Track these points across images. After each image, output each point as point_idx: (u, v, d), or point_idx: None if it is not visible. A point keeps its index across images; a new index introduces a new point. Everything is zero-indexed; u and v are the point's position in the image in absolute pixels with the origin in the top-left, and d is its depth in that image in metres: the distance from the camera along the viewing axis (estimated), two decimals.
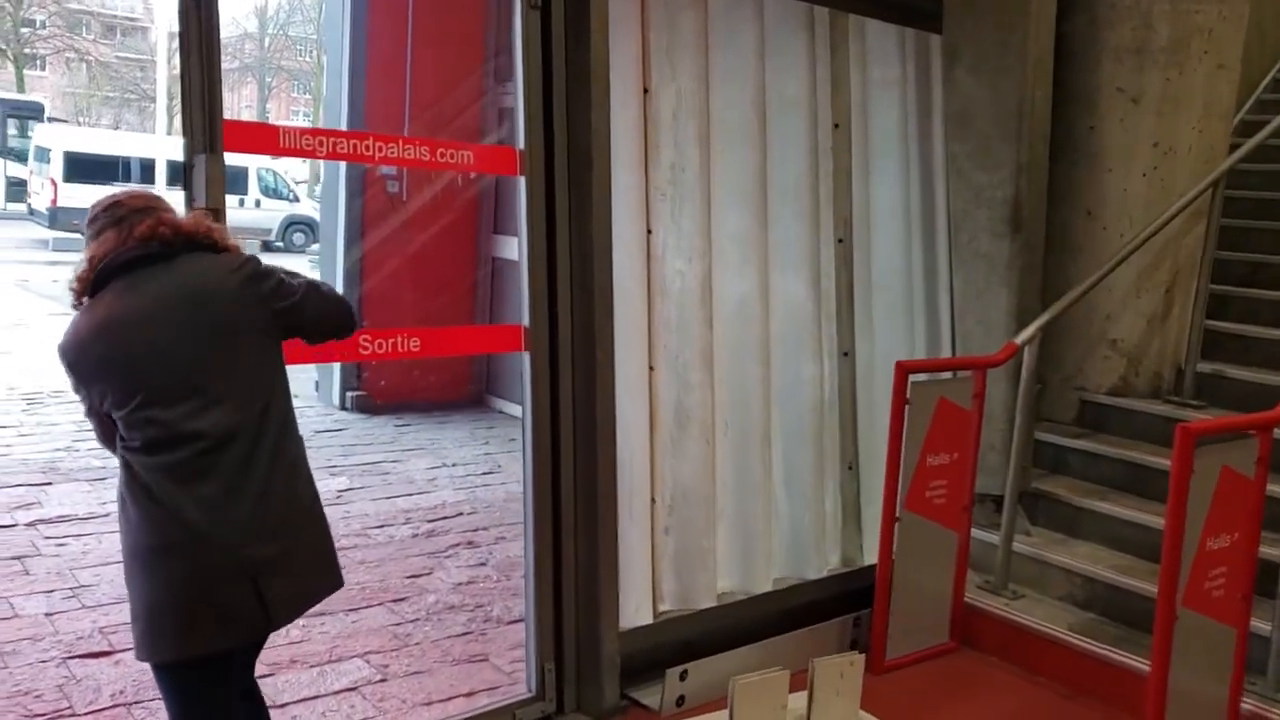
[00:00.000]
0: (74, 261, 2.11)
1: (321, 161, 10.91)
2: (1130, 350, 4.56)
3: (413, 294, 7.09)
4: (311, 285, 2.20)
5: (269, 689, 3.25)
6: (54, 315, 9.95)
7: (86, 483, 5.37)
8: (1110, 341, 4.55)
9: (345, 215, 7.26)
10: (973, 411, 3.81)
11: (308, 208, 19.82)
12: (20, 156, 20.51)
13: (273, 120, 34.95)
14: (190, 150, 2.50)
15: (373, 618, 3.96)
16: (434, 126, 7.09)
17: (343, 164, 7.12)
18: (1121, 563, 3.90)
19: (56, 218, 16.96)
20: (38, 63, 34.15)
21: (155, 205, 2.12)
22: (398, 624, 3.92)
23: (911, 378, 3.63)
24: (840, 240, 3.99)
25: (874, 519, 3.94)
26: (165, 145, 18.88)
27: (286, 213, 19.97)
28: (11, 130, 22.38)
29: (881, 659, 3.68)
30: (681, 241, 3.48)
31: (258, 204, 19.43)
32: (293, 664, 3.53)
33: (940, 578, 3.85)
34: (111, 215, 2.08)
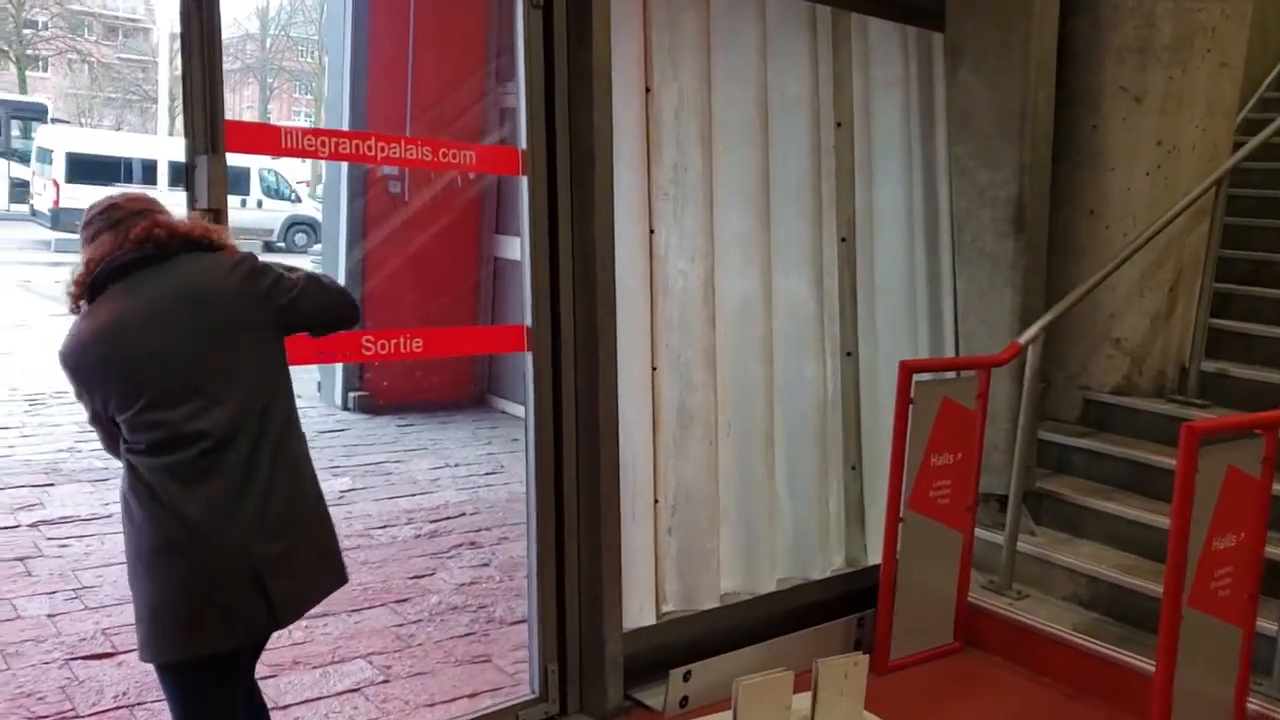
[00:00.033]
0: (76, 263, 2.10)
1: (322, 162, 10.93)
2: (1134, 349, 4.55)
3: (415, 294, 7.08)
4: (310, 278, 2.20)
5: (271, 690, 3.25)
6: (56, 316, 9.96)
7: (89, 484, 5.37)
8: (1114, 340, 4.54)
9: (347, 216, 7.25)
10: (977, 411, 3.80)
11: (309, 208, 19.84)
12: (24, 158, 20.54)
13: (274, 121, 34.99)
14: (192, 151, 2.50)
15: (375, 618, 3.95)
16: (435, 126, 7.08)
17: (344, 164, 7.12)
18: (1126, 562, 3.89)
19: (59, 219, 16.98)
20: (40, 64, 34.18)
21: (151, 207, 2.12)
22: (400, 625, 3.91)
23: (915, 377, 3.62)
24: (843, 240, 3.98)
25: (877, 519, 3.94)
26: (167, 146, 18.89)
27: (288, 213, 19.98)
28: (15, 131, 22.42)
29: (885, 659, 3.67)
30: (684, 241, 3.47)
31: (260, 205, 19.44)
32: (295, 665, 3.53)
33: (944, 578, 3.84)
34: (108, 218, 2.07)
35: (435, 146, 2.95)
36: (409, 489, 5.64)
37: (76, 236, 2.20)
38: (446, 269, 7.47)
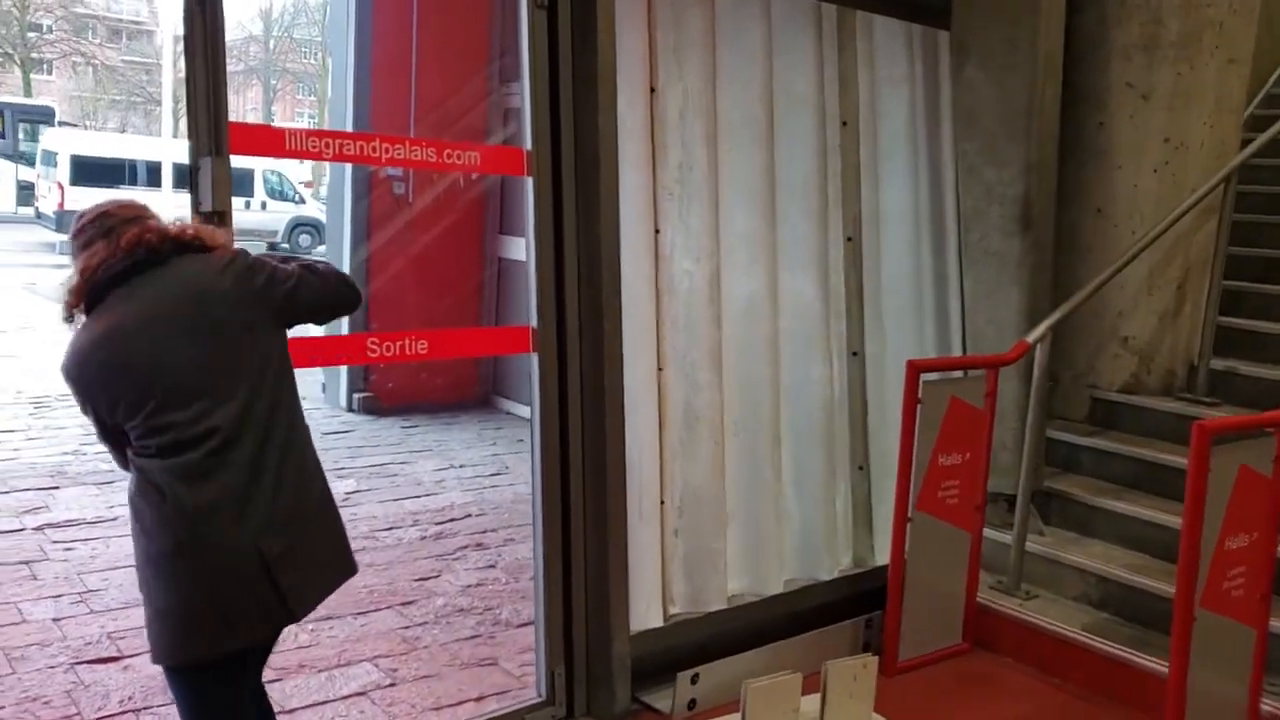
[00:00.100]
0: (69, 273, 2.09)
1: (323, 163, 10.92)
2: (1142, 347, 4.52)
3: (419, 295, 7.07)
4: (306, 269, 2.19)
5: (277, 694, 3.24)
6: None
7: (94, 486, 5.36)
8: (1122, 339, 4.52)
9: (351, 217, 7.25)
10: (985, 410, 3.78)
11: (313, 209, 19.84)
12: (30, 161, 20.58)
13: (278, 122, 35.03)
14: (195, 153, 2.49)
15: (381, 621, 3.94)
16: (439, 127, 7.07)
17: (348, 165, 7.11)
18: (1136, 562, 3.87)
19: (64, 221, 16.98)
20: (44, 67, 34.26)
21: (142, 214, 2.11)
22: (406, 627, 3.90)
23: (923, 377, 3.61)
24: (849, 239, 3.96)
25: (885, 519, 3.92)
26: (171, 148, 18.89)
27: (292, 214, 19.99)
28: (21, 134, 22.48)
29: (894, 661, 3.65)
30: (689, 241, 3.46)
31: (263, 206, 19.45)
32: (301, 668, 3.52)
33: (953, 578, 3.82)
34: (100, 226, 2.07)
35: (440, 147, 2.94)
36: (414, 490, 5.63)
37: None
38: (450, 269, 7.46)
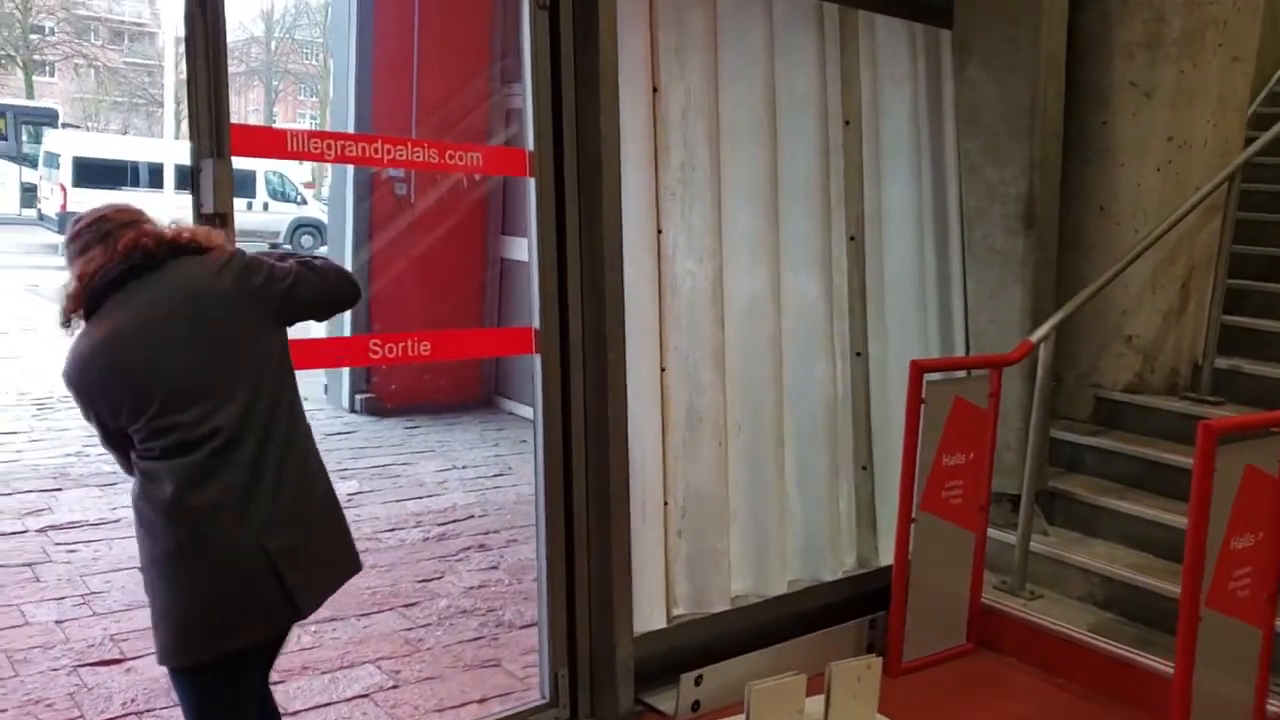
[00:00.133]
0: (66, 279, 2.08)
1: (325, 164, 10.93)
2: (1146, 347, 4.51)
3: (421, 296, 7.07)
4: (304, 265, 2.19)
5: (280, 696, 3.22)
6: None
7: (97, 488, 5.36)
8: (1125, 338, 4.51)
9: (353, 218, 7.25)
10: (989, 410, 3.77)
11: (315, 210, 19.85)
12: (35, 163, 20.60)
13: (279, 123, 35.06)
14: (197, 155, 2.49)
15: (384, 622, 3.93)
16: (441, 128, 7.07)
17: (350, 167, 7.11)
18: (1140, 562, 3.86)
19: (66, 223, 16.96)
20: (46, 69, 34.28)
21: (138, 218, 2.11)
22: (409, 629, 3.89)
23: (927, 377, 3.60)
24: (852, 238, 3.95)
25: (889, 520, 3.91)
26: (173, 150, 18.90)
27: (294, 215, 19.99)
28: (25, 137, 22.51)
29: (898, 661, 3.64)
30: (692, 241, 3.45)
31: (265, 207, 19.45)
32: (304, 670, 3.51)
33: (957, 579, 3.81)
34: (98, 230, 2.07)
35: (442, 149, 2.93)
36: (417, 491, 5.63)
37: None
38: (453, 270, 7.46)
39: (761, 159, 3.64)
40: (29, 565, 4.35)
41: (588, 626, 3.24)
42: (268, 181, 19.60)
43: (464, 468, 6.14)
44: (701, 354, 3.48)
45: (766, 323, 3.67)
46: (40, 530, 4.76)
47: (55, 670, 3.46)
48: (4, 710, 3.19)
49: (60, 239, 16.85)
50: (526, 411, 6.75)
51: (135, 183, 18.15)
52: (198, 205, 2.49)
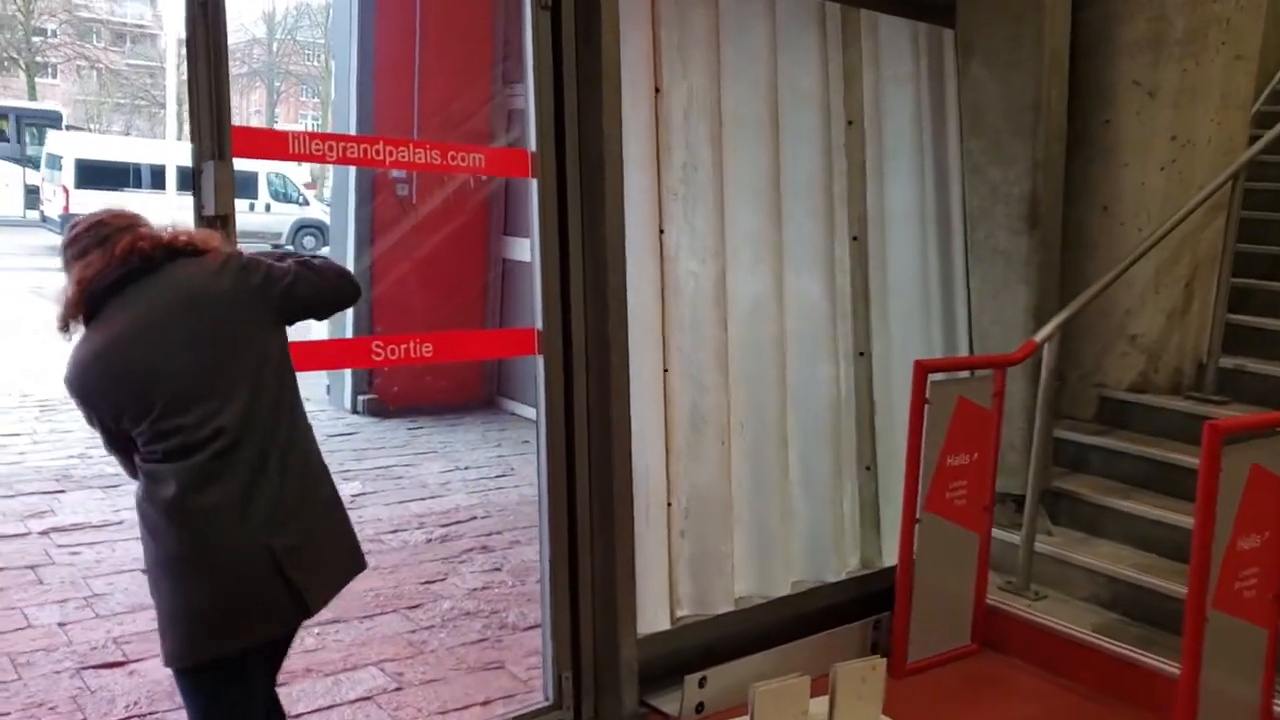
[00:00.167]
0: (63, 284, 2.08)
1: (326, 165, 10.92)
2: (1150, 346, 4.50)
3: (423, 296, 7.07)
4: (302, 265, 2.19)
5: (283, 699, 3.21)
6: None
7: (100, 490, 5.36)
8: (1129, 337, 4.50)
9: (355, 219, 7.25)
10: (993, 411, 3.76)
11: (317, 211, 19.86)
12: (38, 164, 20.63)
13: (281, 124, 35.08)
14: (198, 157, 2.48)
15: (387, 625, 3.93)
16: (443, 129, 7.07)
17: (351, 169, 7.11)
18: (1145, 562, 3.84)
19: (69, 224, 17.00)
20: (49, 71, 34.31)
21: (135, 222, 2.12)
22: (412, 631, 3.89)
23: (930, 377, 3.59)
24: (855, 238, 3.94)
25: (893, 520, 3.90)
26: (176, 151, 18.92)
27: (296, 216, 20.00)
28: (29, 138, 22.54)
29: (903, 662, 3.63)
30: (695, 241, 3.44)
31: (268, 208, 19.46)
32: (308, 673, 3.51)
33: (961, 579, 3.80)
34: (96, 235, 2.07)
35: (444, 150, 2.93)
36: (419, 493, 5.62)
37: None
38: (455, 271, 7.46)
39: (764, 159, 3.63)
40: (32, 568, 4.34)
41: (591, 628, 3.23)
42: (270, 183, 19.61)
43: (467, 469, 6.13)
44: (704, 355, 3.47)
45: (769, 323, 3.67)
46: (43, 532, 4.75)
47: (58, 673, 3.45)
48: (7, 714, 3.18)
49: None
50: (529, 412, 6.75)
51: (138, 184, 18.16)
52: (199, 207, 2.48)
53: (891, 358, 4.05)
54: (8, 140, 22.90)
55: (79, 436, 6.27)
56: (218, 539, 2.01)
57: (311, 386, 7.22)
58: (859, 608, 3.80)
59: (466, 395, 7.62)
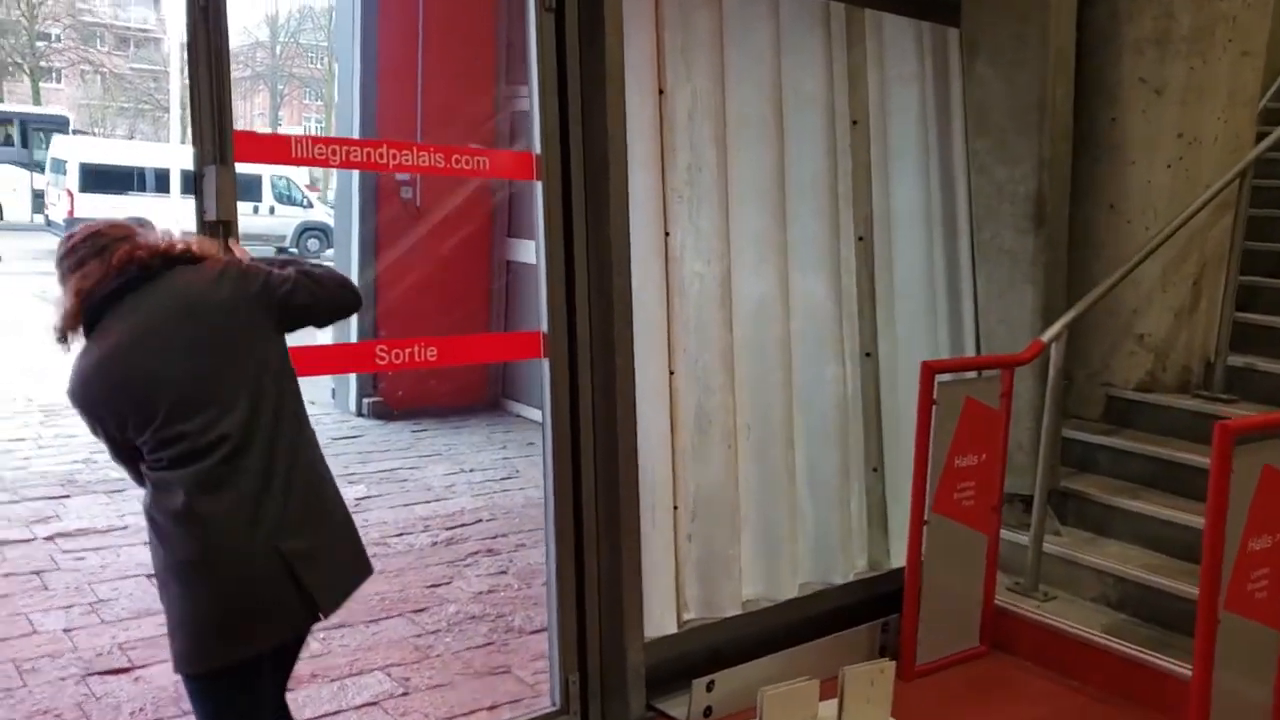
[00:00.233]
0: (60, 296, 2.08)
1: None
2: (1157, 345, 4.47)
3: (428, 299, 7.07)
4: (301, 272, 2.18)
5: (290, 704, 3.22)
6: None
7: (105, 495, 5.35)
8: (1137, 336, 4.47)
9: (359, 221, 7.25)
10: (1000, 411, 3.74)
11: (322, 213, 19.89)
12: (44, 169, 20.69)
13: (285, 127, 35.14)
14: (200, 161, 2.47)
15: (393, 629, 3.92)
16: (447, 131, 7.06)
17: (356, 173, 7.11)
18: (1154, 562, 3.82)
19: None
20: (53, 75, 34.41)
21: (131, 232, 2.12)
22: (418, 635, 3.88)
23: (938, 378, 3.57)
24: (860, 238, 3.92)
25: (900, 521, 3.88)
26: (179, 155, 18.96)
27: (300, 219, 20.04)
28: (37, 143, 22.60)
29: (911, 665, 3.61)
30: (699, 243, 3.43)
31: (272, 211, 19.50)
32: (313, 678, 3.50)
33: (970, 580, 3.78)
34: (93, 245, 2.08)
35: (448, 153, 2.91)
36: (424, 496, 5.62)
37: None
38: (460, 273, 7.46)
39: (768, 160, 3.61)
40: (37, 573, 4.34)
41: (598, 631, 3.21)
42: (274, 185, 19.65)
43: (472, 471, 6.12)
44: (710, 356, 3.46)
45: (775, 324, 3.65)
46: (48, 538, 4.75)
47: (63, 679, 3.44)
48: None
49: None
50: (533, 414, 6.74)
51: (142, 188, 18.21)
52: (201, 212, 2.47)
53: (898, 358, 4.03)
54: (13, 145, 22.95)
55: (83, 441, 6.25)
56: (230, 543, 2.01)
57: (316, 390, 7.22)
58: (867, 610, 3.79)
59: (471, 397, 7.62)
